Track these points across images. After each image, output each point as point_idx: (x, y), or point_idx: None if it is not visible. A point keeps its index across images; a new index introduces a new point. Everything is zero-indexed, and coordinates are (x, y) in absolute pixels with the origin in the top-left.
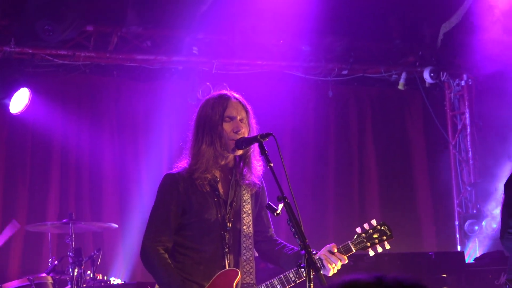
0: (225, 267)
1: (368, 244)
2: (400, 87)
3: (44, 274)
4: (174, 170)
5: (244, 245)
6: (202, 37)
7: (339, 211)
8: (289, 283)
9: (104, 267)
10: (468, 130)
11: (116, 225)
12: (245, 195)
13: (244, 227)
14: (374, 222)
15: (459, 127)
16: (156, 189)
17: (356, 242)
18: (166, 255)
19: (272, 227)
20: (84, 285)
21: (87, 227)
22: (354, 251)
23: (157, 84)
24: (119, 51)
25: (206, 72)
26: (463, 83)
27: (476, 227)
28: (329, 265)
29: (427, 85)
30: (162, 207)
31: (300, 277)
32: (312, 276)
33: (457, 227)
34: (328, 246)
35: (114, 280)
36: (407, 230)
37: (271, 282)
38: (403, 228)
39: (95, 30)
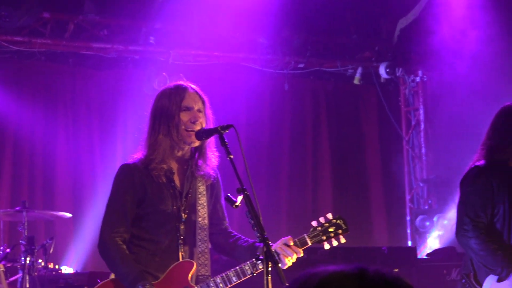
0: (179, 259)
1: (324, 238)
2: (356, 81)
3: None
4: (130, 161)
5: (199, 237)
6: (159, 27)
7: (293, 205)
8: (244, 275)
9: (56, 256)
10: (422, 126)
11: (70, 215)
12: (200, 187)
13: (199, 219)
14: (330, 215)
15: (413, 123)
16: (111, 179)
17: (312, 235)
18: (124, 246)
19: (227, 219)
20: (35, 274)
21: (40, 215)
22: (310, 244)
23: (113, 73)
24: (76, 39)
25: (163, 62)
26: (418, 79)
27: (428, 223)
28: (284, 258)
29: (382, 80)
30: (118, 198)
31: (256, 269)
32: (270, 269)
33: (408, 222)
34: (284, 239)
35: (66, 269)
36: (359, 224)
37: (227, 274)
38: (355, 222)
39: (52, 17)
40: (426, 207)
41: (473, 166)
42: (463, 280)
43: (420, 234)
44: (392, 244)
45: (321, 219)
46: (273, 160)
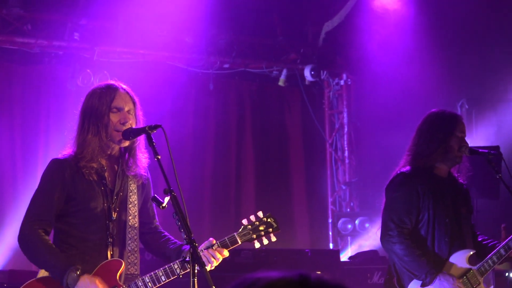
0: (108, 258)
1: (254, 236)
2: (281, 83)
3: None
4: (61, 156)
5: (129, 236)
6: (84, 23)
7: (215, 207)
8: (173, 274)
9: None
10: (346, 129)
11: None
12: (131, 185)
13: (130, 217)
14: (260, 214)
15: (337, 126)
16: (32, 176)
17: (242, 233)
18: (47, 237)
19: (157, 218)
20: None
21: None
22: (240, 243)
23: (37, 69)
24: None
25: (87, 59)
26: (342, 82)
27: (349, 226)
28: (207, 261)
29: (307, 82)
30: (45, 192)
31: (184, 269)
32: (196, 271)
33: (330, 225)
34: (206, 242)
35: None
36: (282, 226)
37: (155, 273)
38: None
39: None
40: (348, 210)
41: (398, 172)
42: (387, 285)
43: (341, 237)
44: (314, 246)
45: (252, 217)
46: (197, 160)
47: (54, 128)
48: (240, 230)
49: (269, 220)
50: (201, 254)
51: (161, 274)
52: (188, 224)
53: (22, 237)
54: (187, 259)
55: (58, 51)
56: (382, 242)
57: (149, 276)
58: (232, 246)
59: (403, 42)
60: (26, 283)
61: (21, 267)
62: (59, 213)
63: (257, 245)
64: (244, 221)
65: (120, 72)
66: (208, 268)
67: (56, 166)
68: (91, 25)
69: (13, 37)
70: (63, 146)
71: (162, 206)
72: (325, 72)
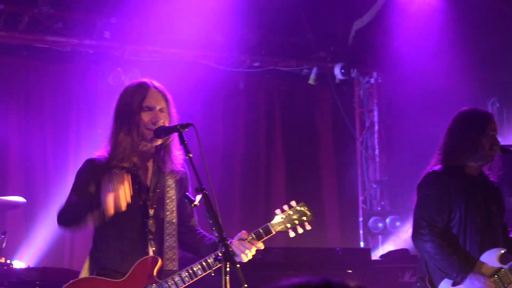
0: (148, 254)
1: (288, 225)
2: (311, 81)
3: None
4: (95, 156)
5: (167, 231)
6: (115, 22)
7: (245, 205)
8: (210, 268)
9: (6, 250)
10: (376, 127)
11: (23, 199)
12: (169, 181)
13: (168, 213)
14: (293, 203)
15: (367, 124)
16: (64, 174)
17: (276, 223)
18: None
19: (196, 216)
20: None
21: None
22: (274, 232)
23: (67, 67)
24: (30, 31)
25: (118, 57)
26: (372, 80)
27: (380, 224)
28: (241, 253)
29: (337, 81)
30: (78, 191)
31: (220, 263)
32: (228, 269)
33: (361, 223)
34: (238, 234)
35: (18, 264)
36: (312, 224)
37: (192, 267)
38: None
39: (6, 9)
40: (379, 208)
41: (430, 170)
42: (418, 284)
43: (372, 236)
44: (345, 245)
45: (285, 207)
46: (227, 159)
47: (85, 126)
48: (274, 220)
49: (302, 208)
50: (233, 246)
51: (197, 268)
52: (220, 222)
53: (58, 216)
54: (219, 257)
55: (88, 49)
56: (413, 240)
57: (186, 270)
58: (266, 237)
59: (433, 40)
60: (69, 282)
61: (53, 264)
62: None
63: (291, 234)
64: (278, 211)
65: (150, 71)
66: (244, 259)
67: (88, 166)
68: (121, 24)
69: (44, 36)
70: (94, 145)
71: (194, 204)
72: (355, 70)
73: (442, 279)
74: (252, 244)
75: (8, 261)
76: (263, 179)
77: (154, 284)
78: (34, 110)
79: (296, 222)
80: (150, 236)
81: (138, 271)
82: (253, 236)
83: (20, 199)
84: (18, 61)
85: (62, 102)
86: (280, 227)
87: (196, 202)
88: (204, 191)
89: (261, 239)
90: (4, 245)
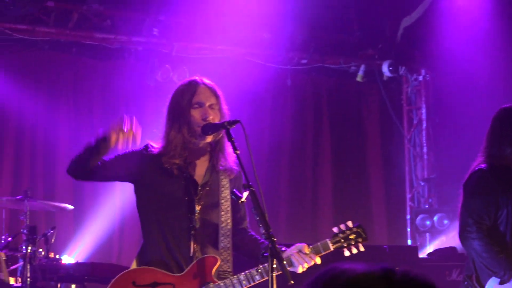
0: (190, 251)
1: (345, 245)
2: (359, 79)
3: None
4: (153, 146)
5: (222, 232)
6: (163, 19)
7: (292, 202)
8: (268, 275)
9: (56, 246)
10: (424, 125)
11: (72, 207)
12: (223, 180)
13: (222, 213)
14: (350, 223)
15: (415, 121)
16: None
17: (335, 241)
18: None
19: (248, 219)
20: (36, 263)
21: (41, 206)
22: (332, 249)
23: (116, 64)
24: (79, 28)
25: (166, 54)
26: (420, 78)
27: (428, 222)
28: (299, 264)
29: (385, 78)
30: (119, 156)
31: (278, 270)
32: (275, 266)
33: (408, 221)
34: (299, 246)
35: (67, 260)
36: (359, 221)
37: (250, 272)
38: (355, 219)
39: (56, 6)
40: (427, 206)
41: (476, 169)
42: (466, 282)
43: (420, 234)
44: (392, 242)
45: (342, 226)
46: (274, 155)
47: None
48: (332, 237)
49: (359, 230)
50: (293, 257)
51: (255, 273)
52: (267, 219)
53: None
54: (266, 253)
55: (137, 46)
56: (460, 238)
57: (244, 274)
58: (324, 252)
59: (481, 36)
60: (120, 274)
61: (102, 260)
62: (141, 205)
63: (346, 253)
64: (335, 229)
65: (198, 68)
66: (300, 270)
67: (145, 148)
68: (169, 21)
69: (93, 33)
70: (142, 140)
71: (241, 201)
72: (403, 67)
73: (489, 277)
74: (312, 258)
75: (57, 256)
76: (310, 176)
77: (211, 284)
78: (83, 107)
79: (353, 242)
80: (193, 232)
81: (197, 268)
82: (311, 249)
83: (68, 206)
84: (68, 58)
85: (110, 99)
86: (338, 245)
87: (243, 199)
88: (251, 188)
89: (319, 254)
90: (53, 240)
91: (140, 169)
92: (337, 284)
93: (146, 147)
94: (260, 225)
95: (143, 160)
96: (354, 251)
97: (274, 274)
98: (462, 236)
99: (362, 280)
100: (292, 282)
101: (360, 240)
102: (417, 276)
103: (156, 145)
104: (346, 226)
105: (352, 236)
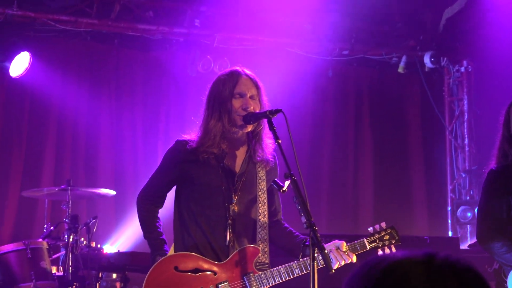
0: (226, 239)
1: (380, 245)
2: (400, 70)
3: (40, 239)
4: (185, 138)
5: (260, 223)
6: (204, 10)
7: (333, 192)
8: (307, 269)
9: (98, 235)
10: (466, 116)
11: (114, 192)
12: (260, 172)
13: (260, 204)
14: (383, 225)
15: (457, 113)
16: (152, 160)
17: (371, 241)
18: (154, 210)
19: (282, 210)
20: (78, 252)
21: (84, 193)
22: (368, 248)
23: (158, 55)
24: (121, 19)
25: (208, 45)
26: (462, 69)
27: (469, 214)
28: (337, 261)
29: (426, 69)
30: (161, 170)
31: (318, 265)
32: (316, 255)
33: (449, 213)
34: (337, 242)
35: (108, 249)
36: (400, 213)
37: (290, 265)
38: (396, 210)
39: None
40: (468, 198)
41: (488, 169)
42: (496, 274)
43: (461, 225)
44: (432, 233)
45: (377, 227)
46: (315, 146)
47: (175, 113)
48: (368, 237)
49: (392, 231)
50: (332, 253)
51: (295, 267)
52: (308, 208)
53: (136, 207)
54: (307, 242)
55: (179, 37)
56: (478, 239)
57: (284, 267)
58: (360, 251)
59: None
60: (162, 258)
61: (142, 249)
62: (179, 194)
63: (380, 253)
64: (370, 229)
65: (240, 59)
66: (336, 266)
67: (175, 147)
68: (211, 12)
69: (135, 24)
70: (183, 131)
71: (283, 190)
72: (445, 59)
73: (509, 271)
74: (349, 256)
75: (99, 246)
76: (351, 167)
77: (252, 274)
78: (125, 97)
79: (387, 243)
80: (229, 222)
81: (238, 258)
82: (349, 247)
83: (110, 192)
84: (110, 49)
85: (152, 90)
86: (373, 245)
87: (285, 188)
88: (293, 177)
89: (356, 253)
90: (94, 229)
91: (180, 168)
92: (379, 270)
93: (182, 144)
94: (302, 214)
95: (180, 158)
96: (387, 251)
97: (315, 265)
98: (479, 237)
99: (402, 264)
100: (334, 271)
101: (393, 241)
102: (458, 261)
103: (188, 136)
104: (380, 227)
105: (386, 237)
